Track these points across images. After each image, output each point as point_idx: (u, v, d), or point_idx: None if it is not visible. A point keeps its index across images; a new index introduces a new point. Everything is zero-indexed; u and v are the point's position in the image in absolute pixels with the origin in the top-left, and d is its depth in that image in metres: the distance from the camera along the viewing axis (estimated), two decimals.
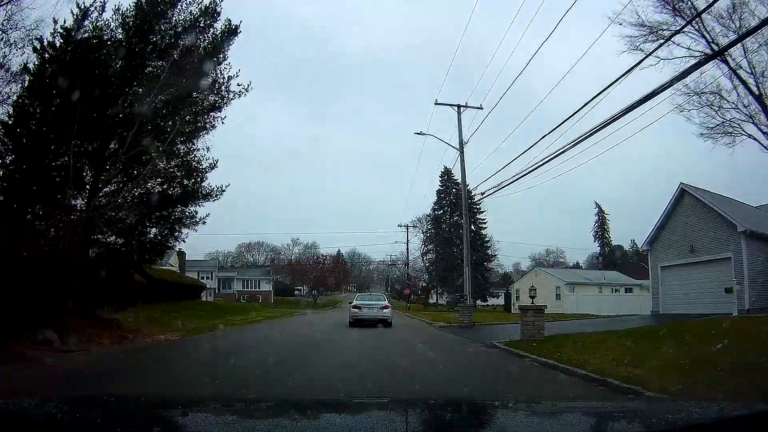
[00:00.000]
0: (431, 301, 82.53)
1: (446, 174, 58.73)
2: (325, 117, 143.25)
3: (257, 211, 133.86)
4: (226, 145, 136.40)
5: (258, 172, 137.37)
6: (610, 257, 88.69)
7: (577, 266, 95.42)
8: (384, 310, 22.54)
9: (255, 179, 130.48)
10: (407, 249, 55.47)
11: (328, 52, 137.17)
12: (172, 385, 7.90)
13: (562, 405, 3.21)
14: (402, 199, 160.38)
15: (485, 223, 58.75)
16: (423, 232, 72.08)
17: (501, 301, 63.53)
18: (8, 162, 13.88)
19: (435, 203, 58.37)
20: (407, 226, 56.04)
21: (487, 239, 58.02)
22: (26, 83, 14.38)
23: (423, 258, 72.36)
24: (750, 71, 19.89)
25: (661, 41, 18.06)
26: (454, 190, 58.47)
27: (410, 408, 2.85)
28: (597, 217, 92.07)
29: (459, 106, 27.29)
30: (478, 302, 62.58)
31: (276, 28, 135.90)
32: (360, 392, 7.21)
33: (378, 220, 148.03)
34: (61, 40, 14.08)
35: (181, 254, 50.01)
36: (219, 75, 16.90)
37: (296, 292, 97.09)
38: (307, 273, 76.43)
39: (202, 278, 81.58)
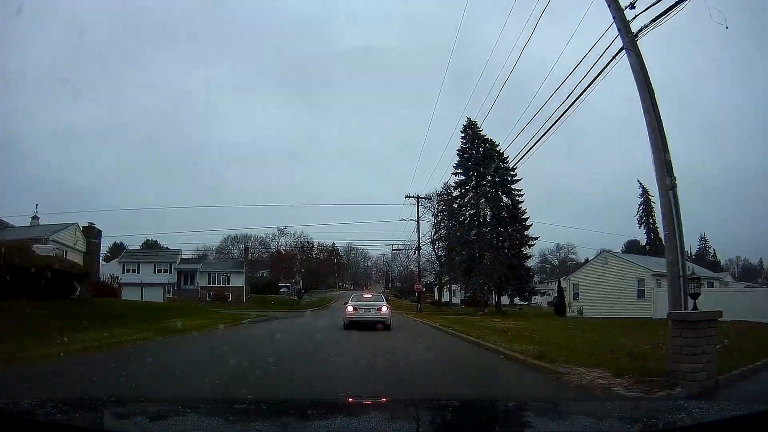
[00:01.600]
0: (443, 299, 67.28)
1: (470, 127, 43.22)
2: (319, 108, 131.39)
3: (251, 207, 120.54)
4: (223, 142, 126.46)
5: (251, 168, 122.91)
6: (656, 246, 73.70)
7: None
8: (382, 312, 19.61)
9: (247, 175, 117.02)
10: (418, 227, 40.12)
11: (321, 42, 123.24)
12: None
13: (562, 405, 3.19)
14: (405, 182, 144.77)
15: (522, 195, 43.16)
16: (434, 215, 56.54)
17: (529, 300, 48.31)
18: None
19: (456, 165, 42.80)
20: (417, 197, 40.54)
21: (525, 216, 42.43)
22: None
23: (434, 246, 56.86)
24: None
25: None
26: (481, 149, 42.94)
27: None
28: (641, 199, 76.57)
29: None
30: (516, 300, 47.31)
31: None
32: None
33: (380, 196, 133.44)
34: None
35: (90, 230, 33.96)
36: None
37: (283, 290, 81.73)
38: (292, 265, 60.80)
39: (159, 271, 66.23)
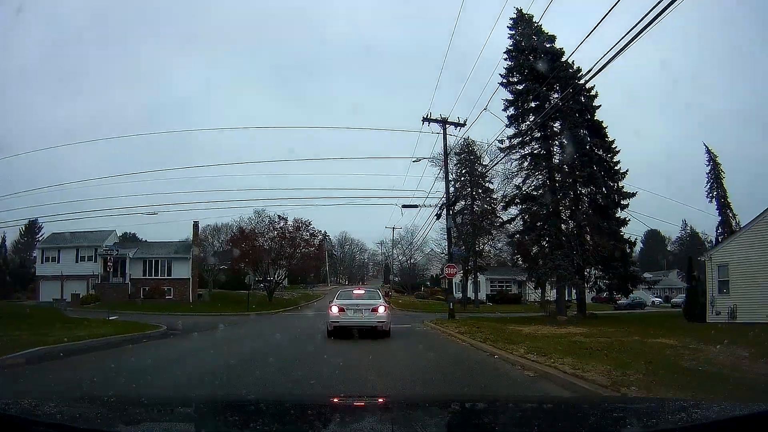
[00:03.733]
0: (456, 297, 50.96)
1: (522, 20, 26.78)
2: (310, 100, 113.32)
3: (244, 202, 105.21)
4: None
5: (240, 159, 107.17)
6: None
7: None
8: (378, 314, 14.45)
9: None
10: (446, 164, 22.66)
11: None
12: None
13: (562, 405, 3.18)
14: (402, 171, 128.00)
15: (605, 128, 26.74)
16: (456, 179, 40.27)
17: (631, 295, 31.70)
18: None
19: (507, 72, 25.75)
20: (444, 120, 23.40)
21: (615, 160, 25.90)
22: None
23: (457, 219, 40.66)
24: None
25: None
26: (542, 53, 26.47)
27: None
28: (709, 167, 60.61)
29: None
30: (603, 293, 30.93)
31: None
32: None
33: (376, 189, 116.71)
34: None
35: None
36: None
37: (262, 284, 65.26)
38: (256, 248, 44.37)
39: (83, 258, 49.58)
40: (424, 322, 19.71)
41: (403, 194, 67.84)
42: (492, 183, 45.26)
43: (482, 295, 48.31)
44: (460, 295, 50.44)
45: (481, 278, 47.60)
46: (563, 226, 22.98)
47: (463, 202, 42.72)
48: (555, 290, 23.68)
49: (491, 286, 51.64)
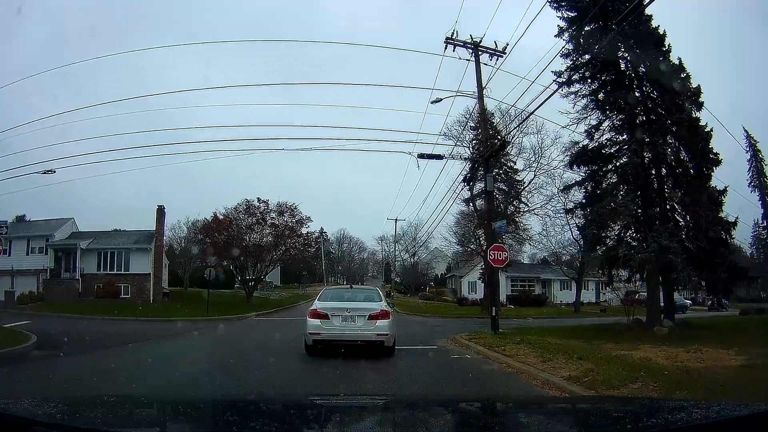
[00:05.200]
0: (468, 297, 44.04)
1: None
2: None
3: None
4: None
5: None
6: None
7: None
8: (377, 322, 10.03)
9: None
10: (480, 95, 15.05)
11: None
12: None
13: (561, 405, 3.15)
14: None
15: (685, 73, 19.44)
16: (471, 156, 33.05)
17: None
18: None
19: None
20: (475, 45, 15.94)
21: (696, 116, 18.60)
22: None
23: (472, 204, 33.86)
24: None
25: None
26: None
27: None
28: (750, 154, 53.53)
29: None
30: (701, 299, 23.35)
31: None
32: None
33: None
34: None
35: None
36: None
37: (251, 282, 58.12)
38: (233, 238, 37.22)
39: (33, 251, 42.24)
40: (456, 338, 12.53)
41: (421, 139, 60.05)
42: (515, 162, 38.41)
43: (502, 296, 41.22)
44: (475, 295, 43.53)
45: (501, 276, 40.48)
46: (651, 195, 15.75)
47: (481, 185, 35.62)
48: (646, 288, 16.39)
49: (512, 286, 44.54)
